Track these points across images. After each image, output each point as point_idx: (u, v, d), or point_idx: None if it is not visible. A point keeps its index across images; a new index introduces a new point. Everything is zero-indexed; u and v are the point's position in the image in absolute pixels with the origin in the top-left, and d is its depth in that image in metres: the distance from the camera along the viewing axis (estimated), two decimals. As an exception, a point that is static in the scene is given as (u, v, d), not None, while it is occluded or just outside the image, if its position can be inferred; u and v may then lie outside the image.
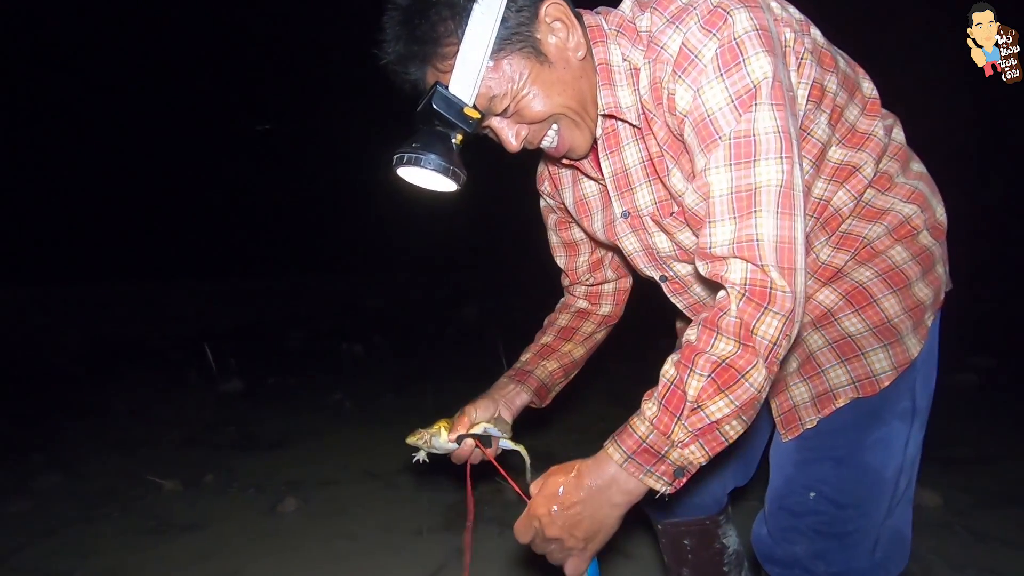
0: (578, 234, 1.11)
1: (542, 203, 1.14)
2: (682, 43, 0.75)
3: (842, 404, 0.88)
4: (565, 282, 1.18)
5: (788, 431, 0.93)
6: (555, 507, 0.76)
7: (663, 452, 0.73)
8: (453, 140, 0.83)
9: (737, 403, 0.71)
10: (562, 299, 1.19)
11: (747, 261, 0.71)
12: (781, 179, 0.72)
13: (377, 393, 3.57)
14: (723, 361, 0.71)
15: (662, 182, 0.87)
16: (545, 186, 1.10)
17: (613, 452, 0.75)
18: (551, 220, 1.13)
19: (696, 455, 0.73)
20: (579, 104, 0.84)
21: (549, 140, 0.87)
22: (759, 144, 0.72)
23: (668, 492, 0.74)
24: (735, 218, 0.73)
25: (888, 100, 0.90)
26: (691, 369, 0.72)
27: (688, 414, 0.71)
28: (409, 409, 3.29)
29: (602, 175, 0.94)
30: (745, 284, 0.71)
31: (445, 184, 0.86)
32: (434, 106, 0.79)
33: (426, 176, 0.85)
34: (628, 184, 0.91)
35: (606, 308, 1.17)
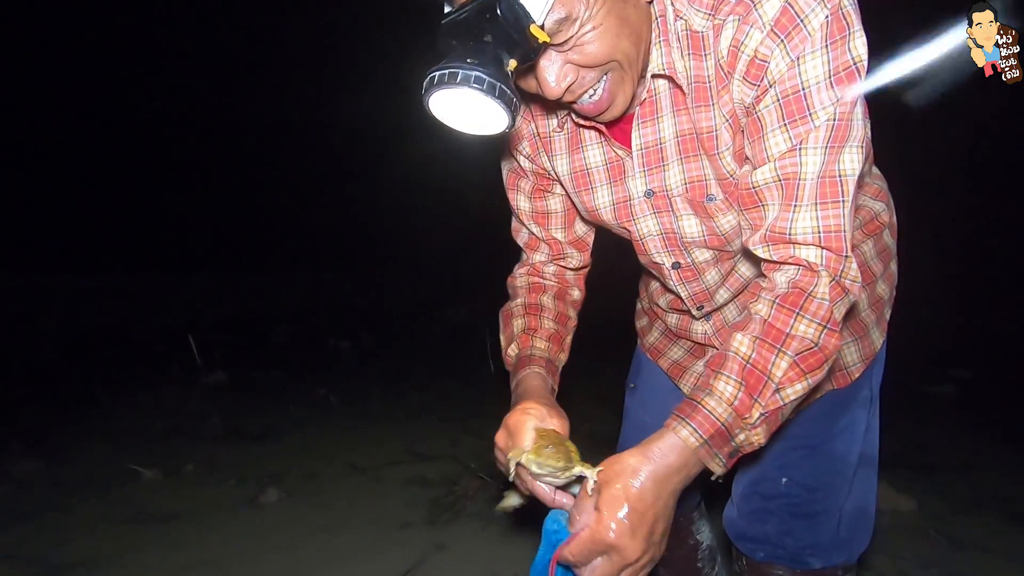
0: (555, 205, 0.98)
1: (510, 165, 0.99)
2: (786, 4, 0.67)
3: (819, 396, 0.92)
4: (537, 257, 1.02)
5: None
6: (628, 525, 0.65)
7: (734, 434, 0.69)
8: (506, 66, 0.64)
9: (811, 387, 0.71)
10: (525, 277, 1.02)
11: (832, 251, 0.71)
12: (858, 169, 0.70)
13: (363, 389, 3.56)
14: (815, 345, 0.69)
15: (707, 160, 0.80)
16: (524, 147, 0.95)
17: (688, 437, 0.68)
18: (524, 186, 0.98)
19: (759, 437, 0.71)
20: (636, 55, 0.74)
21: (591, 93, 0.74)
22: (852, 129, 0.69)
23: (721, 473, 0.70)
24: (820, 204, 0.70)
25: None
26: (779, 350, 0.69)
27: (768, 396, 0.69)
28: (395, 406, 3.29)
29: (628, 146, 0.84)
30: (832, 272, 0.71)
31: (495, 118, 0.66)
32: (500, 11, 0.61)
33: (474, 104, 0.65)
34: (660, 160, 0.83)
35: (577, 293, 1.05)
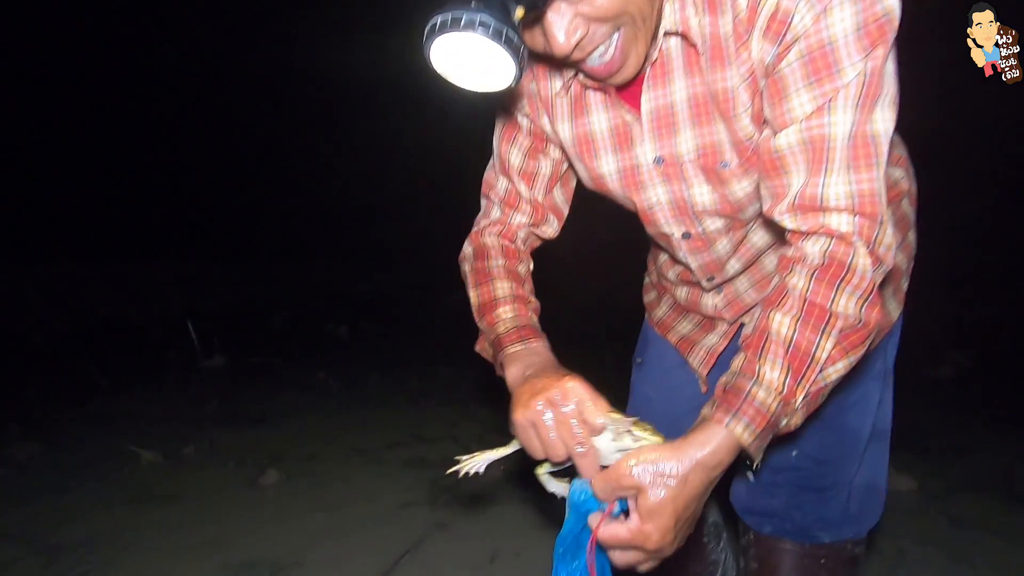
0: (545, 167, 0.93)
1: (508, 119, 0.93)
2: None
3: None
4: (517, 219, 0.95)
5: None
6: (672, 533, 0.63)
7: (779, 422, 0.66)
8: (513, 13, 0.61)
9: (851, 365, 0.67)
10: (496, 238, 0.94)
11: (867, 217, 0.67)
12: (891, 128, 0.66)
13: (362, 374, 3.55)
14: (859, 321, 0.66)
15: (723, 123, 0.75)
16: (524, 106, 0.89)
17: (743, 434, 0.63)
18: (522, 142, 0.92)
19: (797, 420, 0.67)
20: (650, 10, 0.70)
21: (602, 52, 0.70)
22: (883, 86, 0.64)
23: (759, 458, 0.67)
24: (853, 167, 0.65)
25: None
26: (823, 330, 0.65)
27: (812, 379, 0.65)
28: (395, 390, 3.28)
29: (637, 109, 0.79)
30: (870, 241, 0.67)
31: (501, 69, 0.62)
32: None
33: (479, 53, 0.61)
34: (671, 125, 0.78)
35: (526, 264, 0.97)
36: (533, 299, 0.91)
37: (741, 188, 0.81)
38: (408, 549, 1.74)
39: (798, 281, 0.68)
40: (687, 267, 0.94)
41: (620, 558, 0.66)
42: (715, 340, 1.01)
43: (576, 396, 0.68)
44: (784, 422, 0.67)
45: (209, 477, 2.21)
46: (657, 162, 0.82)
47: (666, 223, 0.88)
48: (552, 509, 2.05)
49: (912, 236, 0.95)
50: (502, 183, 0.95)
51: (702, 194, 0.83)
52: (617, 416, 0.68)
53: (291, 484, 2.17)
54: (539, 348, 0.81)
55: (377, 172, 8.84)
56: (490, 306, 0.88)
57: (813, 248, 0.69)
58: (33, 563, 1.68)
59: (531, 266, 0.97)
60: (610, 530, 0.64)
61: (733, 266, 0.92)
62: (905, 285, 0.94)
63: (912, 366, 0.98)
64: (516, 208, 0.95)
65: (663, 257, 1.04)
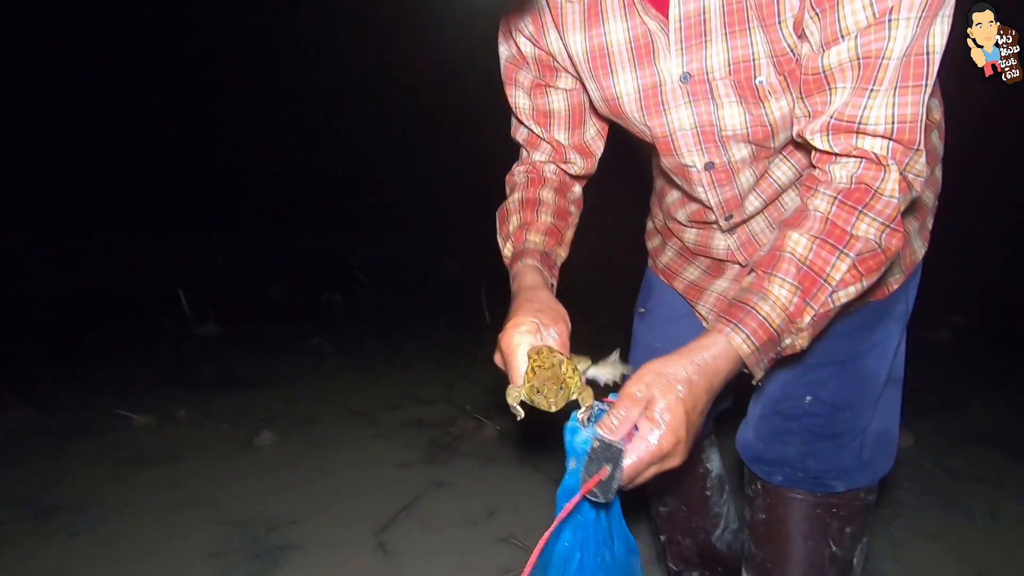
0: (558, 103, 0.87)
1: (509, 52, 0.88)
2: None
3: (852, 309, 0.85)
4: (537, 156, 0.93)
5: None
6: (685, 435, 0.62)
7: (782, 339, 0.66)
8: None
9: (863, 290, 0.66)
10: (523, 174, 0.93)
11: (903, 144, 0.64)
12: (944, 44, 0.62)
13: (359, 339, 3.52)
14: (877, 246, 0.65)
15: (762, 32, 0.69)
16: (527, 25, 0.82)
17: (741, 344, 0.64)
18: (523, 80, 0.87)
19: (803, 341, 0.67)
20: None
21: None
22: None
23: (761, 376, 0.67)
24: (900, 89, 0.62)
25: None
26: (841, 251, 0.65)
27: (822, 300, 0.65)
28: (391, 354, 3.25)
29: (663, 14, 0.72)
30: (899, 164, 0.64)
31: None
32: None
33: None
34: (702, 34, 0.70)
35: (578, 190, 0.95)
36: (544, 218, 0.88)
37: (779, 108, 0.74)
38: (406, 506, 1.73)
39: (820, 203, 0.66)
40: (703, 205, 0.88)
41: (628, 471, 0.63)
42: (725, 285, 0.96)
43: (508, 348, 0.70)
44: (788, 341, 0.66)
45: (203, 439, 2.19)
46: (684, 79, 0.74)
47: (688, 152, 0.80)
48: (549, 465, 2.04)
49: (939, 172, 0.89)
50: (521, 129, 0.93)
51: (732, 116, 0.75)
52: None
53: (287, 445, 2.15)
54: (522, 271, 0.80)
55: (373, 141, 8.66)
56: (503, 246, 0.89)
57: (841, 172, 0.67)
58: (25, 524, 1.65)
59: (560, 184, 0.93)
60: (631, 457, 0.61)
61: (752, 203, 0.85)
62: (930, 223, 0.89)
63: (909, 329, 0.94)
64: (536, 148, 0.93)
65: (673, 196, 0.98)
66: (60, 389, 2.71)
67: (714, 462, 1.19)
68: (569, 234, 0.91)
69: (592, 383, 0.73)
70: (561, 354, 0.70)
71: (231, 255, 6.97)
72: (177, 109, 8.59)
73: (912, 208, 0.86)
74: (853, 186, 0.65)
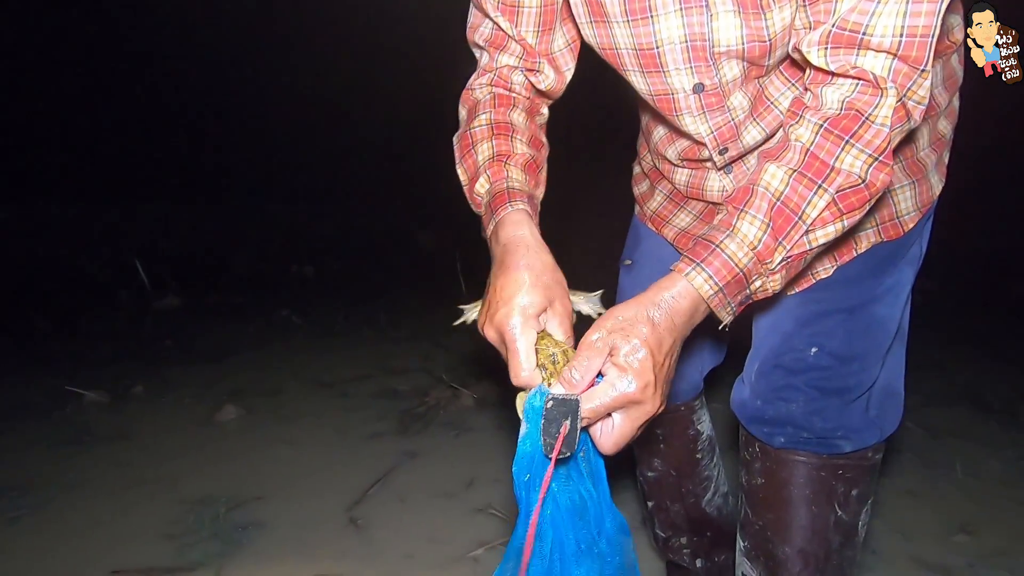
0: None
1: None
2: None
3: (863, 249, 0.77)
4: (504, 60, 0.80)
5: (795, 284, 0.80)
6: (652, 378, 0.57)
7: (750, 281, 0.61)
8: None
9: (843, 231, 0.61)
10: (487, 88, 0.81)
11: (908, 63, 0.57)
12: None
13: (329, 310, 3.38)
14: (861, 181, 0.58)
15: None
16: None
17: (703, 284, 0.59)
18: None
19: (774, 284, 0.62)
20: None
21: None
22: None
23: (728, 321, 0.62)
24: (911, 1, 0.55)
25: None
26: (820, 186, 0.58)
27: (795, 239, 0.59)
28: (363, 325, 3.13)
29: None
30: (900, 89, 0.57)
31: None
32: None
33: None
34: None
35: (546, 113, 0.85)
36: (522, 149, 0.76)
37: (781, 20, 0.65)
38: (378, 479, 1.64)
39: (803, 131, 0.60)
40: (694, 140, 0.79)
41: (608, 440, 0.59)
42: None
43: (508, 335, 0.61)
44: (758, 283, 0.61)
45: (161, 415, 2.06)
46: None
47: (675, 70, 0.71)
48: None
49: (957, 102, 0.81)
50: (484, 26, 0.80)
51: (728, 28, 0.66)
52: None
53: (252, 419, 2.03)
54: (512, 218, 0.68)
55: (341, 109, 8.33)
56: (471, 184, 0.75)
57: (833, 96, 0.59)
58: (-40, 508, 1.52)
59: (531, 105, 0.81)
60: (594, 400, 0.57)
61: (752, 133, 0.76)
62: (947, 157, 0.81)
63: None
64: (503, 48, 0.80)
65: (660, 132, 0.88)
66: (4, 366, 2.52)
67: (704, 423, 1.12)
68: (544, 172, 0.80)
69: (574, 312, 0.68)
70: (564, 345, 0.62)
71: (192, 225, 6.67)
72: (130, 73, 8.11)
73: (928, 138, 0.78)
74: (842, 112, 0.59)
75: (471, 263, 4.05)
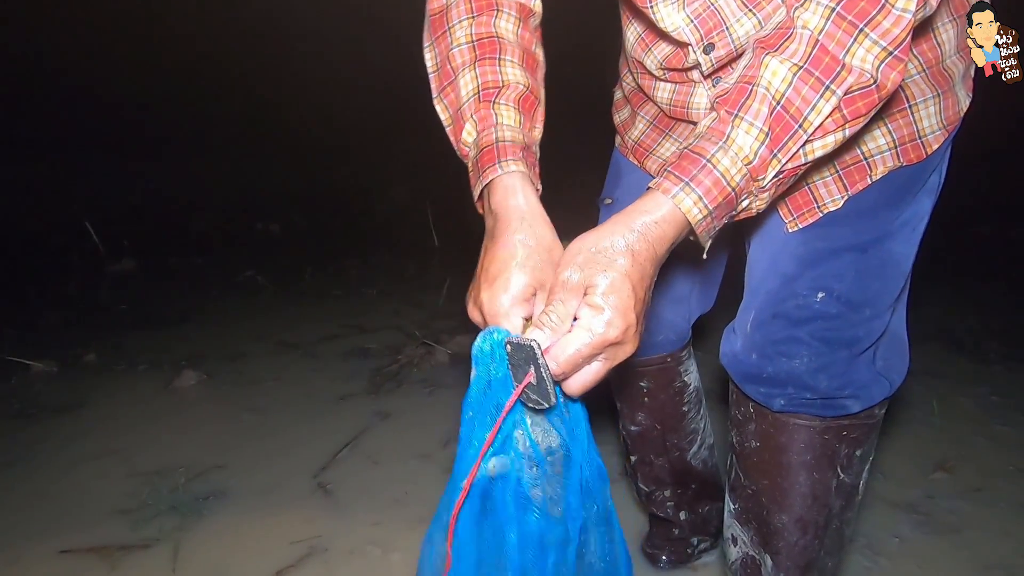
0: None
1: None
2: None
3: (879, 176, 0.67)
4: None
5: (798, 218, 0.69)
6: (634, 317, 0.50)
7: (739, 200, 0.53)
8: None
9: (843, 141, 0.53)
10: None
11: None
12: None
13: (296, 268, 3.23)
14: (872, 81, 0.50)
15: None
16: None
17: (692, 208, 0.51)
18: None
19: (759, 205, 0.54)
20: None
21: None
22: None
23: (708, 246, 0.55)
24: None
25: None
26: (828, 87, 0.50)
27: (792, 151, 0.51)
28: (332, 283, 3.00)
29: None
30: None
31: None
32: None
33: None
34: None
35: (539, 12, 0.71)
36: (514, 76, 0.64)
37: None
38: (348, 442, 1.57)
39: (811, 17, 0.50)
40: (675, 43, 0.68)
41: (576, 382, 0.52)
42: None
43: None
44: (744, 203, 0.54)
45: (114, 384, 1.93)
46: None
47: (684, 27, 0.64)
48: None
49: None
50: None
51: None
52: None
53: (212, 385, 1.92)
54: (506, 186, 0.58)
55: (305, 61, 7.86)
56: (456, 129, 0.64)
57: None
58: None
59: (526, 8, 0.68)
60: (569, 347, 0.49)
61: (743, 25, 0.64)
62: (973, 70, 0.71)
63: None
64: None
65: (638, 30, 0.75)
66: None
67: (692, 375, 1.04)
68: (542, 101, 0.67)
69: None
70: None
71: (147, 183, 6.32)
72: (89, 21, 7.48)
73: (955, 43, 0.67)
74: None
75: (443, 212, 3.90)
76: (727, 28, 0.64)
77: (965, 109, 0.70)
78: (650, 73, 0.76)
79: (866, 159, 0.67)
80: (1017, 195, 4.33)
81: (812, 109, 0.50)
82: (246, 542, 1.21)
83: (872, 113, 0.53)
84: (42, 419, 1.72)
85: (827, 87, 0.50)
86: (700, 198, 0.51)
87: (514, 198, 0.57)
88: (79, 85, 7.48)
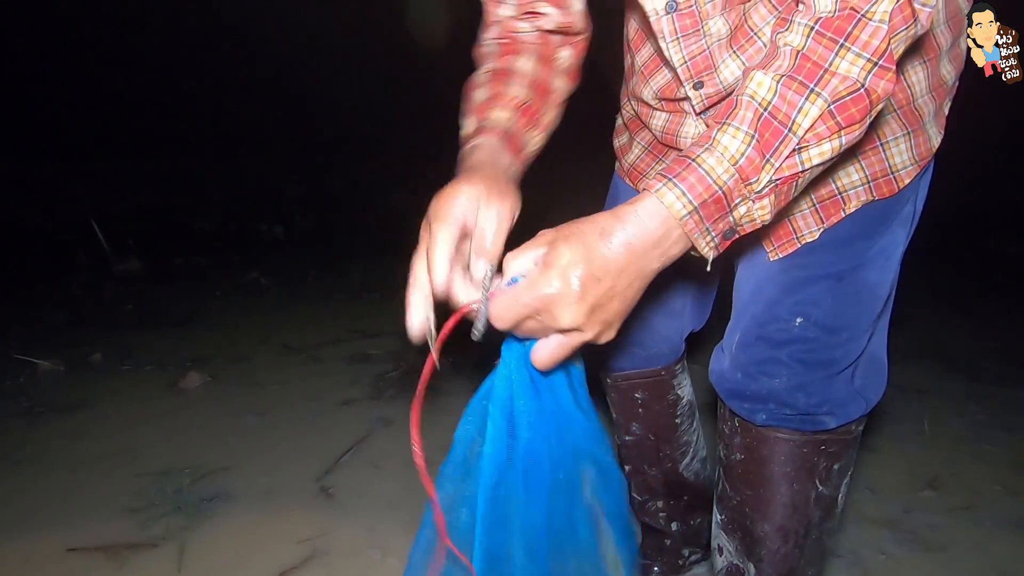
0: None
1: None
2: None
3: (852, 209, 0.71)
4: (503, 12, 0.77)
5: (779, 248, 0.74)
6: (578, 285, 0.51)
7: (732, 204, 0.53)
8: None
9: (842, 149, 0.53)
10: (494, 43, 0.78)
11: None
12: None
13: (300, 272, 3.27)
14: (860, 87, 0.51)
15: None
16: None
17: (674, 202, 0.52)
18: None
19: (763, 212, 0.55)
20: None
21: None
22: None
23: (712, 258, 0.56)
24: None
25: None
26: (812, 90, 0.51)
27: (785, 155, 0.52)
28: (335, 286, 3.04)
29: None
30: None
31: None
32: None
33: None
34: None
35: (567, 56, 0.79)
36: (516, 92, 0.71)
37: None
38: (351, 447, 1.60)
39: (793, 37, 0.53)
40: (670, 68, 0.72)
41: (541, 351, 0.55)
42: None
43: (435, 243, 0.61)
44: (743, 209, 0.54)
45: (120, 383, 1.97)
46: None
47: None
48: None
49: (963, 44, 0.73)
50: None
51: None
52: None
53: (217, 387, 1.95)
54: (473, 149, 0.65)
55: (311, 64, 7.92)
56: (463, 127, 0.72)
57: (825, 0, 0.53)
58: (-97, 487, 1.44)
59: (542, 52, 0.76)
60: (504, 294, 0.54)
61: (730, 68, 0.68)
62: (947, 108, 0.74)
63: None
64: (500, 1, 0.77)
65: (641, 58, 0.80)
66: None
67: (685, 388, 1.08)
68: (550, 115, 0.74)
69: None
70: None
71: (153, 184, 6.37)
72: (94, 22, 7.55)
73: (927, 84, 0.70)
74: (836, 12, 0.52)
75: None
76: (716, 68, 0.69)
77: (937, 146, 0.73)
78: (647, 103, 0.80)
79: (840, 193, 0.71)
80: (1015, 211, 4.36)
81: (799, 112, 0.52)
82: (250, 543, 1.25)
83: (867, 120, 0.54)
84: (50, 417, 1.76)
85: (812, 90, 0.51)
86: (683, 193, 0.52)
87: (471, 158, 0.64)
88: (87, 85, 7.55)
